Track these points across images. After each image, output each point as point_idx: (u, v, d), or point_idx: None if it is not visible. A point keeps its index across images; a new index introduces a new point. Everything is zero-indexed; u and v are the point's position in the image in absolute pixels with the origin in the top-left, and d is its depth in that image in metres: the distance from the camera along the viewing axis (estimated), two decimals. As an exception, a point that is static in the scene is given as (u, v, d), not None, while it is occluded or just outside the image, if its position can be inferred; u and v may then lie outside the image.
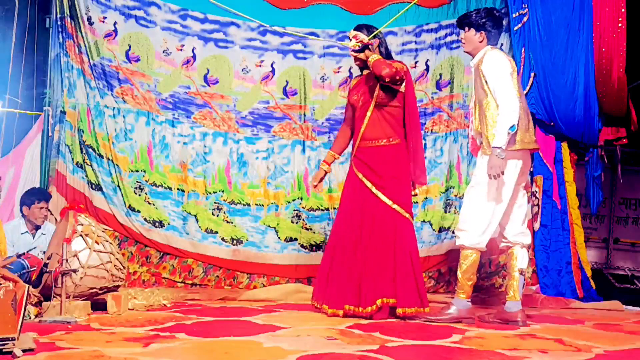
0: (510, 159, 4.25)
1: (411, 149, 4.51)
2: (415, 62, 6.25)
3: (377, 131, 4.47)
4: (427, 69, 6.32)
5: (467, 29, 4.43)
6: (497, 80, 4.22)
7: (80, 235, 4.20)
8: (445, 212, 6.23)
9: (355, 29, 4.63)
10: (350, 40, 4.61)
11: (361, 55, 4.56)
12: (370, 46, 4.54)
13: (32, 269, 4.29)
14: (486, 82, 4.27)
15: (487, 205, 4.27)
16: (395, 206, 4.36)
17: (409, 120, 4.50)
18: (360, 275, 4.33)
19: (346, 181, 4.63)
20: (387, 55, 4.64)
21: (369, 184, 4.41)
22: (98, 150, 5.82)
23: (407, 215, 4.40)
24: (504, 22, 6.16)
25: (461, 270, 4.29)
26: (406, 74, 4.49)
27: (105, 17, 5.87)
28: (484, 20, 4.39)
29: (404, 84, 4.47)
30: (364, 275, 4.31)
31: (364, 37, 4.54)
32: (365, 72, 4.68)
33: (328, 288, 4.40)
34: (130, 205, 5.82)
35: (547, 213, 6.02)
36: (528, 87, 5.98)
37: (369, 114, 4.49)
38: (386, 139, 4.45)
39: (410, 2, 5.73)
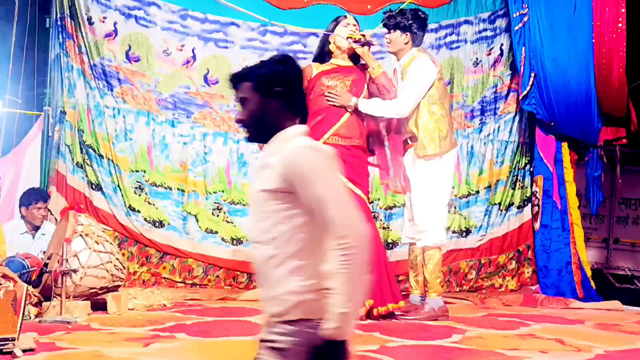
0: (449, 156, 4.42)
1: (396, 155, 4.45)
2: (415, 62, 6.25)
3: (352, 129, 4.37)
4: (427, 69, 6.31)
5: (392, 30, 4.42)
6: (412, 85, 4.31)
7: (80, 235, 4.20)
8: (445, 212, 6.23)
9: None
10: (348, 24, 4.45)
11: (360, 49, 4.43)
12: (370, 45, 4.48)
13: (32, 269, 4.29)
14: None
15: (438, 204, 4.35)
16: (369, 205, 4.36)
17: (397, 126, 4.46)
18: None
19: None
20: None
21: (346, 181, 4.31)
22: (98, 150, 5.81)
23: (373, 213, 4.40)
24: (504, 22, 6.21)
25: (428, 270, 4.33)
26: None
27: (105, 17, 5.86)
28: (410, 22, 4.39)
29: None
30: None
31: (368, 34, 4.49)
32: (344, 63, 4.50)
33: None
34: (130, 205, 5.81)
35: (547, 213, 6.03)
36: (528, 87, 5.98)
37: (350, 110, 4.37)
38: (359, 139, 4.41)
39: (410, 2, 5.73)
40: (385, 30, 4.57)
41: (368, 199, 4.40)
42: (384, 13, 4.55)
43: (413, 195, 4.46)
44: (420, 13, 4.47)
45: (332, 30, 4.47)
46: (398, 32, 4.39)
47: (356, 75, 4.45)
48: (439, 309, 4.30)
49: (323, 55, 4.47)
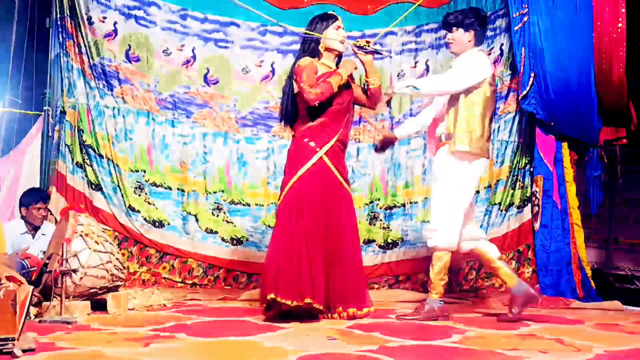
0: (476, 160, 4.35)
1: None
2: (415, 62, 6.26)
3: (348, 132, 4.41)
4: (427, 69, 6.32)
5: (455, 29, 4.38)
6: (463, 67, 4.27)
7: (80, 235, 4.20)
8: (445, 212, 6.22)
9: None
10: (339, 27, 4.37)
11: (363, 57, 4.34)
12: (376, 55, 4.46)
13: (32, 269, 4.29)
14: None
15: (456, 206, 4.30)
16: (354, 205, 4.42)
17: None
18: (359, 275, 4.30)
19: (316, 176, 4.25)
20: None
21: (343, 181, 4.31)
22: (98, 150, 5.82)
23: None
24: (504, 22, 6.20)
25: (434, 271, 4.31)
26: None
27: (105, 17, 5.87)
28: (472, 19, 4.37)
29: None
30: (360, 274, 4.30)
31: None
32: (333, 65, 4.42)
33: (316, 286, 4.13)
34: (130, 205, 5.82)
35: (547, 213, 6.02)
36: (528, 87, 5.98)
37: (350, 113, 4.38)
38: (347, 141, 4.46)
39: (410, 2, 5.72)
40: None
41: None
42: (445, 15, 4.52)
43: (434, 193, 4.43)
44: (481, 12, 4.46)
45: (323, 30, 4.36)
46: (461, 30, 4.35)
47: (361, 86, 4.46)
48: (439, 309, 4.30)
49: (316, 52, 4.41)
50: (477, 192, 6.26)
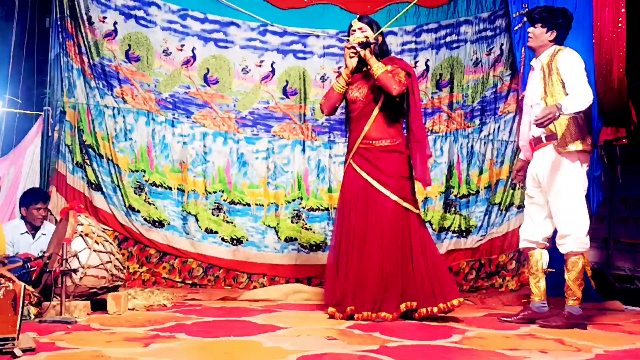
0: (585, 161, 4.28)
1: (419, 150, 4.36)
2: (415, 62, 6.26)
3: (381, 131, 4.33)
4: (427, 69, 6.32)
5: (537, 25, 4.33)
6: (578, 72, 4.16)
7: (80, 235, 4.20)
8: (445, 212, 6.23)
9: (361, 21, 4.45)
10: (354, 30, 4.42)
11: (362, 52, 4.33)
12: (372, 45, 4.40)
13: (32, 269, 4.29)
14: (562, 79, 4.20)
15: (582, 206, 4.20)
16: (405, 204, 4.27)
17: (416, 119, 4.37)
18: (373, 278, 4.19)
19: (345, 182, 4.43)
20: (387, 52, 4.56)
21: (374, 183, 4.27)
22: (98, 150, 5.82)
23: (417, 211, 4.35)
24: (504, 22, 6.20)
25: (571, 278, 4.16)
26: (412, 76, 4.38)
27: (105, 17, 5.88)
28: (558, 20, 4.30)
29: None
30: (380, 279, 4.15)
31: (371, 33, 4.39)
32: (365, 68, 4.43)
33: (336, 293, 4.25)
34: (130, 205, 5.82)
35: (547, 213, 6.01)
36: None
37: (375, 112, 4.34)
38: (390, 139, 4.33)
39: (409, 1, 5.72)
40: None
41: (409, 199, 4.31)
42: (532, 9, 4.47)
43: (553, 196, 4.24)
44: (568, 12, 4.40)
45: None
46: (544, 28, 4.30)
47: (374, 81, 4.37)
48: (579, 316, 4.21)
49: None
50: (477, 192, 6.27)
